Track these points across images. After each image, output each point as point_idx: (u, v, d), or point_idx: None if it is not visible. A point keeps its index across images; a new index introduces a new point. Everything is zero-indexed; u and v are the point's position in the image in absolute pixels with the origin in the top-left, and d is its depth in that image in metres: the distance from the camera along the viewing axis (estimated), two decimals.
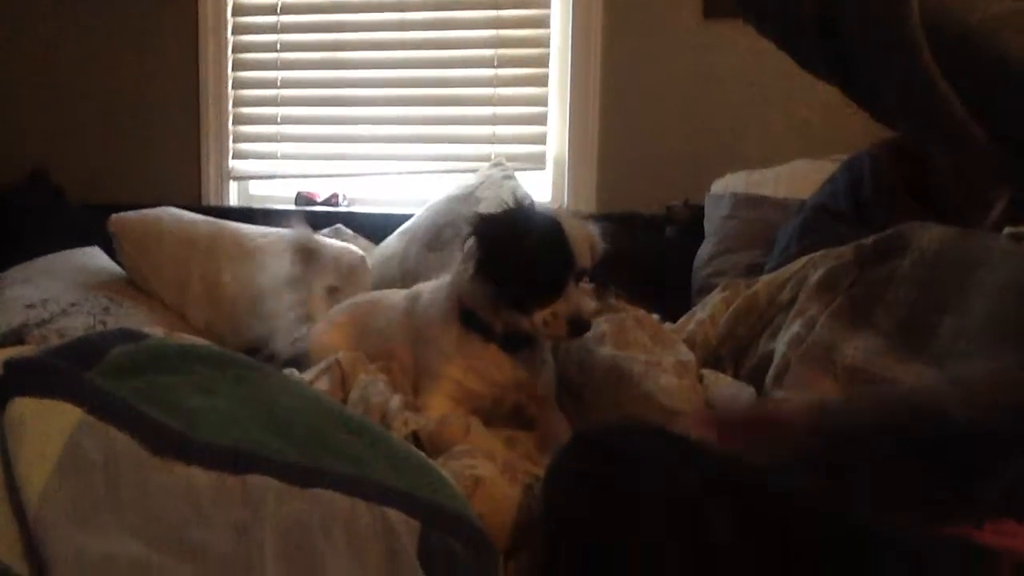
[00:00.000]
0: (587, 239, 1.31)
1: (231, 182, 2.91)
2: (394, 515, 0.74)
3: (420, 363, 1.42)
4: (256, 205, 2.89)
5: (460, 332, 1.35)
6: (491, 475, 0.99)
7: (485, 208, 2.27)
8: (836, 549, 0.83)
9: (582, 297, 1.31)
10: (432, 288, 1.48)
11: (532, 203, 1.37)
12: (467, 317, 1.35)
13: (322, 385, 1.35)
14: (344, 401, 1.32)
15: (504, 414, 1.38)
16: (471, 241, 1.30)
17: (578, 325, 1.25)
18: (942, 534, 0.79)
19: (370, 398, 1.29)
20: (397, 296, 1.59)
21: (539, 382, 1.39)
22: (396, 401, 1.28)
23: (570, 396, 1.43)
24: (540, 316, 1.26)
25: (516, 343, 1.34)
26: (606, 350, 1.41)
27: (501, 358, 1.34)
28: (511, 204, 1.33)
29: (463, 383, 1.35)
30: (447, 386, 1.35)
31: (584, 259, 1.28)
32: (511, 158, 2.56)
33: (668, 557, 0.78)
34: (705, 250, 2.12)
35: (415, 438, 1.19)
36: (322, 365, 1.41)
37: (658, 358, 1.39)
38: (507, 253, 1.26)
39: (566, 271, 1.25)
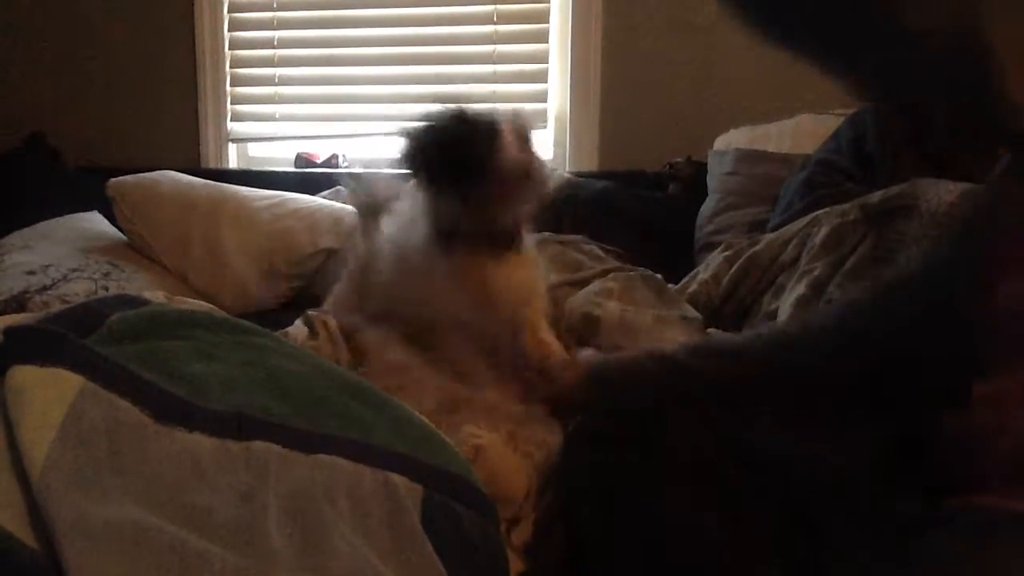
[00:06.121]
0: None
1: (230, 144, 2.89)
2: (397, 480, 0.74)
3: None
4: (256, 167, 2.87)
5: None
6: (493, 444, 0.99)
7: None
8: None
9: None
10: None
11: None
12: None
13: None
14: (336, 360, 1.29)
15: None
16: None
17: None
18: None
19: None
20: None
21: None
22: None
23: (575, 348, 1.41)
24: None
25: None
26: (613, 304, 1.41)
27: None
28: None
29: None
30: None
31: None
32: None
33: (698, 514, 0.80)
34: (708, 207, 2.10)
35: None
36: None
37: (666, 313, 1.39)
38: None
39: None
